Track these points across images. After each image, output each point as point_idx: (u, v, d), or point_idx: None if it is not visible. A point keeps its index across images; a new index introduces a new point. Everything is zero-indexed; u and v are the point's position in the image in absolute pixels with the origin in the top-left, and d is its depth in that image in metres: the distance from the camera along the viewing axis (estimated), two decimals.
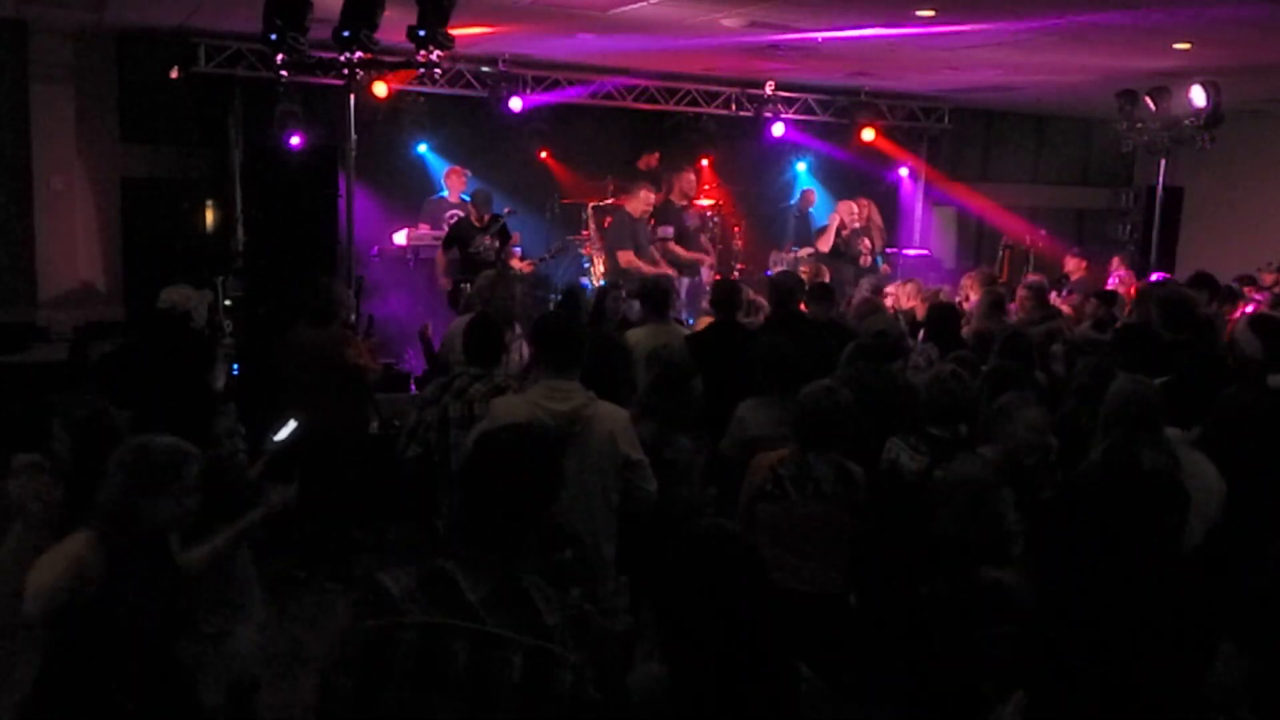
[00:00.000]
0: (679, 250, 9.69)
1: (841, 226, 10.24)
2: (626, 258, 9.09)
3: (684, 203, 9.96)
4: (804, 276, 7.75)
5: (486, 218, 9.36)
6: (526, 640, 2.15)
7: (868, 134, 12.01)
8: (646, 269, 8.86)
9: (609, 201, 11.14)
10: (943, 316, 6.47)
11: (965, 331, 6.65)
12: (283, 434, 4.47)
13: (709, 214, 10.82)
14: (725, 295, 6.28)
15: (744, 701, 2.21)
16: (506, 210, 10.45)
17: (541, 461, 2.34)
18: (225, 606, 4.36)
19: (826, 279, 8.03)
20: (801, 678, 2.29)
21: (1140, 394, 4.05)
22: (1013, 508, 3.52)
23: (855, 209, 10.37)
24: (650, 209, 9.31)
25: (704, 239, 10.31)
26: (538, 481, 2.31)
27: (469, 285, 8.85)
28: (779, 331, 5.66)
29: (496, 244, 9.28)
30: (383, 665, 2.17)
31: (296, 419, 4.54)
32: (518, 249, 9.89)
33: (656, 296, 6.25)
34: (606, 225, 10.96)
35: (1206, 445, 4.14)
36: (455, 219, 9.78)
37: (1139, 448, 3.82)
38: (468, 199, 9.84)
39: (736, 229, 11.78)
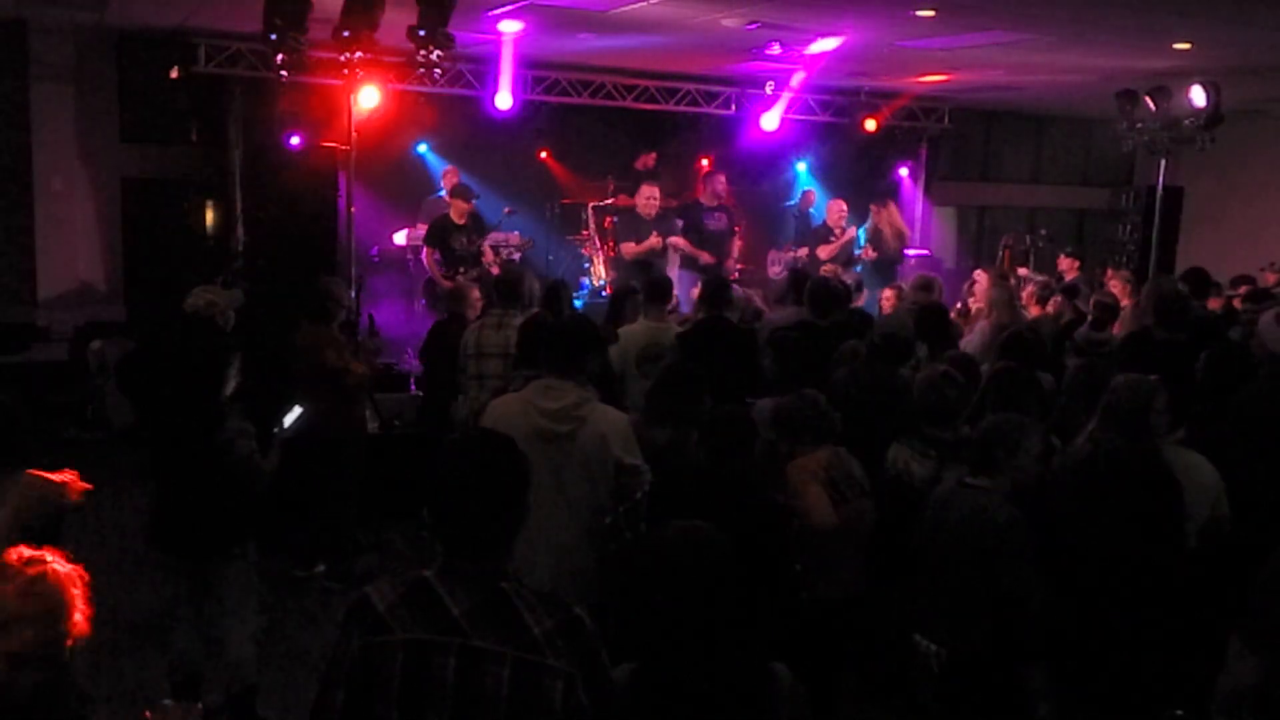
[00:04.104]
0: (685, 245, 9.75)
1: (836, 230, 10.36)
2: (628, 248, 9.26)
3: (714, 204, 9.95)
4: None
5: (466, 215, 9.26)
6: (513, 653, 2.13)
7: (869, 124, 12.09)
8: (643, 247, 9.11)
9: (609, 201, 11.14)
10: (932, 317, 6.43)
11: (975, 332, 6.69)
12: (289, 420, 4.52)
13: (733, 220, 10.69)
14: (714, 291, 6.18)
15: (715, 701, 2.21)
16: (506, 210, 10.45)
17: (507, 468, 2.30)
18: (223, 613, 4.37)
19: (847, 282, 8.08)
20: (778, 678, 2.29)
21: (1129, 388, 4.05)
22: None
23: (843, 209, 10.45)
24: (657, 205, 9.32)
25: (733, 244, 10.30)
26: (508, 489, 2.29)
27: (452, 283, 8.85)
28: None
29: (477, 240, 9.24)
30: (372, 682, 2.17)
31: (300, 405, 4.58)
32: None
33: (654, 288, 6.24)
34: (608, 225, 10.97)
35: (1223, 441, 4.12)
36: (434, 218, 9.65)
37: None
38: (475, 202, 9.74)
39: (737, 229, 11.77)
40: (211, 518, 4.23)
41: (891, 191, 13.23)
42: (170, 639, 4.43)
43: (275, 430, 4.50)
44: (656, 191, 9.37)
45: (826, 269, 9.43)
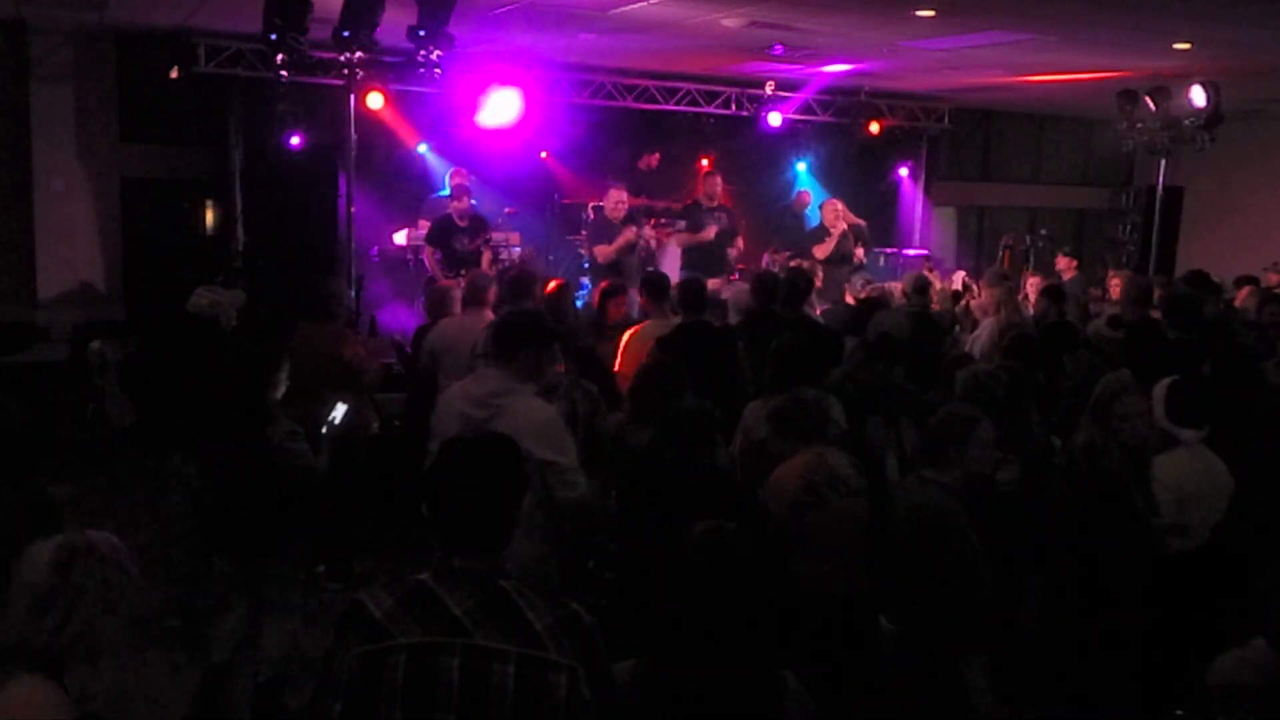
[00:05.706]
0: (684, 236, 9.76)
1: (833, 230, 10.35)
2: (601, 251, 9.18)
3: (713, 204, 9.93)
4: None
5: (468, 216, 9.26)
6: (517, 649, 2.14)
7: (874, 127, 12.11)
8: (615, 249, 9.02)
9: None
10: (871, 310, 6.46)
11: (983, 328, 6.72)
12: (336, 417, 4.54)
13: (734, 220, 10.61)
14: (692, 294, 6.07)
15: (722, 702, 2.21)
16: (506, 210, 10.44)
17: (505, 466, 2.33)
18: (266, 609, 4.36)
19: (817, 279, 8.09)
20: (784, 681, 2.29)
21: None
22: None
23: (839, 208, 10.44)
24: (625, 207, 9.29)
25: (733, 247, 10.27)
26: (506, 487, 2.31)
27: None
28: (756, 330, 5.66)
29: (478, 241, 9.23)
30: (374, 690, 2.16)
31: (344, 401, 4.59)
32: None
33: (654, 287, 6.22)
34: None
35: (1237, 442, 4.11)
36: (435, 218, 9.59)
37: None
38: (475, 204, 9.74)
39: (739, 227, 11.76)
40: (263, 518, 4.23)
41: (891, 191, 13.26)
42: (209, 641, 4.40)
43: (324, 429, 4.55)
44: (624, 195, 9.35)
45: (807, 264, 9.38)
